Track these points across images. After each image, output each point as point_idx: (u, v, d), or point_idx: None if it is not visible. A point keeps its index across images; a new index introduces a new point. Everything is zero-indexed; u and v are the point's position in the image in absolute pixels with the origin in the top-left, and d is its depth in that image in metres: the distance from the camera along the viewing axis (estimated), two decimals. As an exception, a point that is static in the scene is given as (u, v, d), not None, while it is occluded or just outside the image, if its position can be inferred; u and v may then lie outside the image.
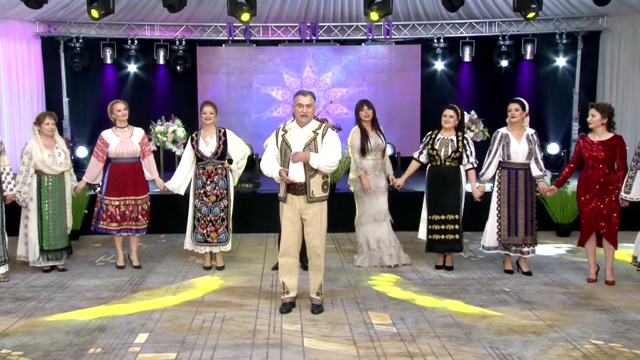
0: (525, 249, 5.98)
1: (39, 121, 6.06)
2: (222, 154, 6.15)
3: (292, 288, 4.98)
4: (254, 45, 12.78)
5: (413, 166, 6.33)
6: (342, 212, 8.22)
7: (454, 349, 4.12)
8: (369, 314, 4.88)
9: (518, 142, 5.90)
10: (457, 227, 6.06)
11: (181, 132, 9.05)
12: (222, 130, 6.20)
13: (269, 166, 4.94)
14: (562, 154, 11.91)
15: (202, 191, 6.14)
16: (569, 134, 12.37)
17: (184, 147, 9.03)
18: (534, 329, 4.51)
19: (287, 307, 4.94)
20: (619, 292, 5.44)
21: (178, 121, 9.20)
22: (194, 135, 6.22)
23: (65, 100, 12.25)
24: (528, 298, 5.29)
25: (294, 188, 4.82)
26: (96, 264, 6.63)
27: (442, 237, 6.10)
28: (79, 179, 6.40)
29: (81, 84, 12.52)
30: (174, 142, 9.01)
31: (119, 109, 6.24)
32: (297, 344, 4.23)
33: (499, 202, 6.00)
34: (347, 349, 4.15)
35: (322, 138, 4.82)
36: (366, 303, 5.16)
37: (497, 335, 4.37)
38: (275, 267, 5.79)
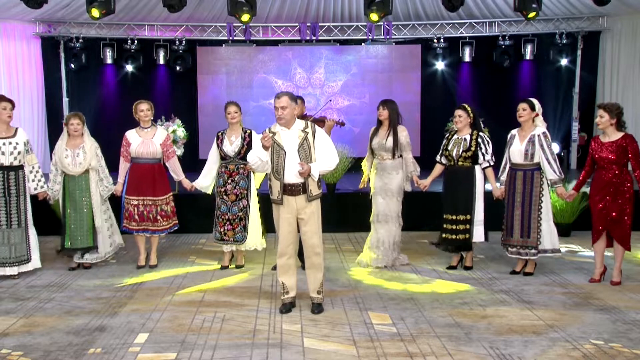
0: (523, 251, 5.96)
1: (66, 122, 6.20)
2: (245, 154, 6.10)
3: (291, 288, 4.99)
4: (254, 45, 12.78)
5: (437, 168, 6.39)
6: (342, 212, 8.23)
7: (454, 349, 4.12)
8: (369, 314, 4.88)
9: (520, 142, 5.89)
10: (467, 227, 6.07)
11: (181, 132, 9.05)
12: (248, 131, 6.22)
13: (252, 152, 4.95)
14: (562, 154, 11.92)
15: (222, 189, 6.20)
16: (569, 134, 12.38)
17: (184, 147, 9.10)
18: (534, 329, 4.51)
19: (287, 307, 4.95)
20: (619, 292, 5.44)
21: (178, 121, 9.19)
22: (219, 134, 6.27)
23: (65, 100, 12.27)
24: (528, 298, 5.29)
25: (290, 189, 4.83)
26: (96, 264, 6.63)
27: (454, 236, 6.14)
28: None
29: (81, 84, 12.53)
30: (174, 142, 9.00)
31: (142, 109, 6.30)
32: (297, 344, 4.23)
33: (505, 203, 6.06)
34: (347, 349, 4.15)
35: (314, 137, 4.88)
36: (366, 303, 5.16)
37: (497, 335, 4.37)
38: (275, 267, 5.78)
